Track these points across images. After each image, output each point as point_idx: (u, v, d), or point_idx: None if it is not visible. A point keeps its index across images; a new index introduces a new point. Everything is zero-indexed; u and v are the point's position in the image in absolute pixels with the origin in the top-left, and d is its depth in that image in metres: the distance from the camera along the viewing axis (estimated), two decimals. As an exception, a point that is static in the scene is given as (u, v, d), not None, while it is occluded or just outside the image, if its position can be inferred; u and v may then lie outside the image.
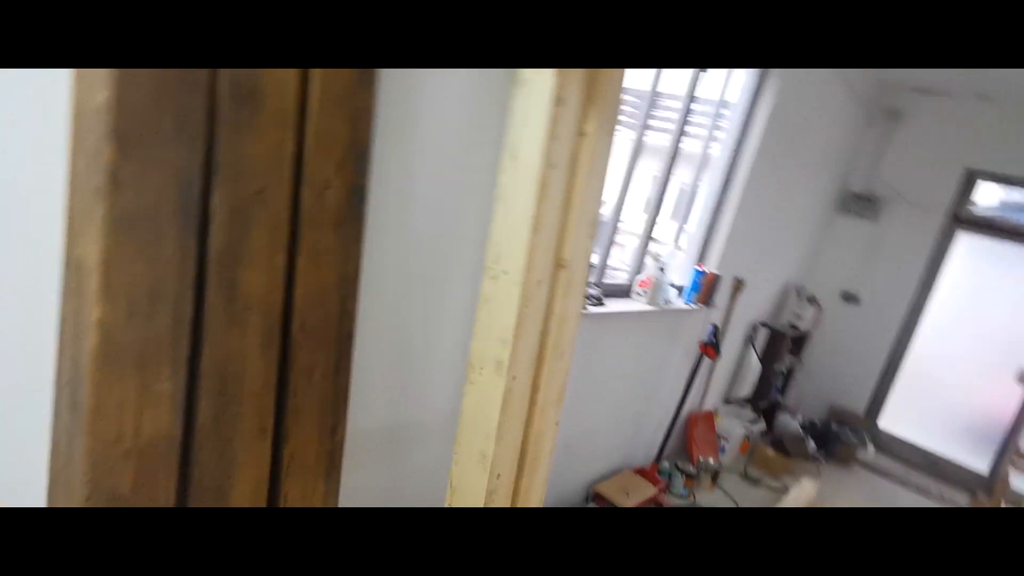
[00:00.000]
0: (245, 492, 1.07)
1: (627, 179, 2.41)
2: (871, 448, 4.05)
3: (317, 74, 0.98)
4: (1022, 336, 3.87)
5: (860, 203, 4.18)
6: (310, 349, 1.11)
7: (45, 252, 0.90)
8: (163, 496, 0.93)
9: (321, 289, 1.09)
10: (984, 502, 3.67)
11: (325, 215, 1.05)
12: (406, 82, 1.27)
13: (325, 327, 1.13)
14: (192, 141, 0.83)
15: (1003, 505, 3.47)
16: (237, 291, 0.96)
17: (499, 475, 1.65)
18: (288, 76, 0.94)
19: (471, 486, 1.65)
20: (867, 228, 4.20)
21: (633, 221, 3.05)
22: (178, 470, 0.96)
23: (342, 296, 1.14)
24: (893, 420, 4.31)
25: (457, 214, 1.53)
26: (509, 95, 1.47)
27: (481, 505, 1.62)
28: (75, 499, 0.83)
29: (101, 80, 0.74)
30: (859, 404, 4.32)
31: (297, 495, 1.17)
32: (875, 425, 4.32)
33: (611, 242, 2.49)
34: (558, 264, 1.62)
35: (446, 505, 1.73)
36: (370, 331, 1.41)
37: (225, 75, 0.85)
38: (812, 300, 4.16)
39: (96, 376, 0.80)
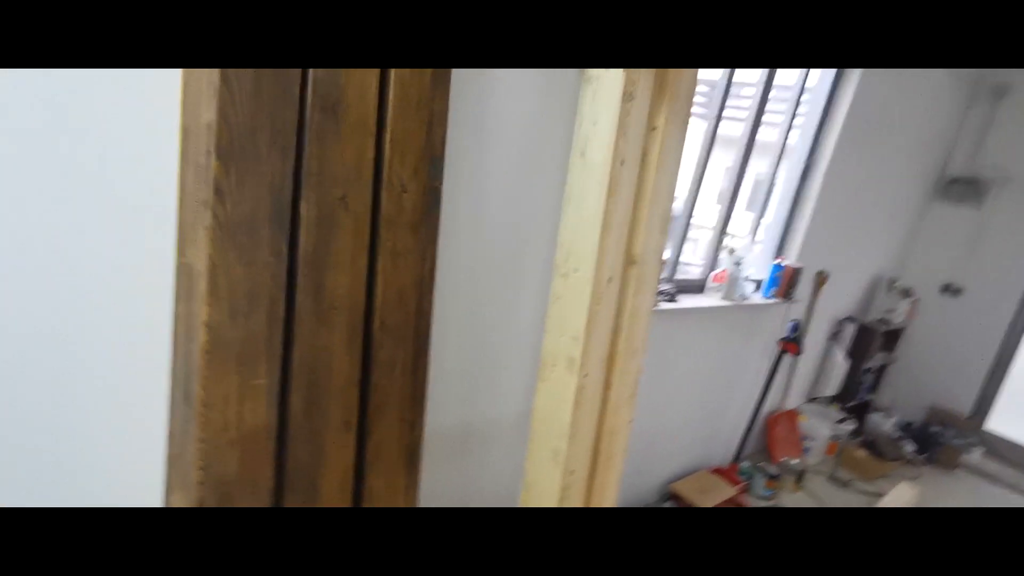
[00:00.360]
0: (333, 482, 1.14)
1: (700, 171, 2.35)
2: (978, 451, 3.73)
3: (394, 81, 1.02)
4: None
5: (960, 188, 3.85)
6: (390, 347, 1.17)
7: (161, 259, 0.99)
8: (263, 482, 1.01)
9: (400, 289, 1.14)
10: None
11: (403, 218, 1.10)
12: (476, 84, 1.30)
13: (404, 325, 1.18)
14: (284, 152, 0.90)
15: None
16: (324, 292, 1.03)
17: (572, 472, 1.66)
18: (368, 85, 0.99)
19: (545, 483, 1.66)
20: (969, 214, 3.87)
21: (707, 214, 2.96)
22: (274, 459, 1.03)
23: (419, 295, 1.19)
24: (1003, 421, 3.94)
25: (527, 213, 1.55)
26: (577, 93, 1.47)
27: (556, 502, 1.63)
28: (190, 482, 0.92)
29: (207, 101, 0.82)
30: (963, 403, 3.98)
31: (381, 487, 1.23)
32: (982, 426, 3.97)
33: (684, 237, 2.43)
34: (629, 261, 1.61)
35: (520, 502, 1.76)
36: (444, 329, 1.45)
37: (313, 87, 0.91)
38: (906, 293, 3.89)
39: (205, 371, 0.88)
